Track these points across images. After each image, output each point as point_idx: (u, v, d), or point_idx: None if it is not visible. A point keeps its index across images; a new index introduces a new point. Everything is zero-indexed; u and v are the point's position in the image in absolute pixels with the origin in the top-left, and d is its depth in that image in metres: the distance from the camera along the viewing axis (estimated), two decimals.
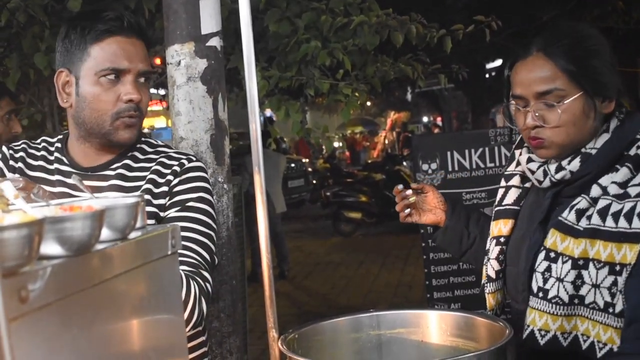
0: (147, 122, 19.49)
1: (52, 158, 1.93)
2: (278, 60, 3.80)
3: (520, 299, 1.76)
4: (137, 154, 1.93)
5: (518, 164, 1.87)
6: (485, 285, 1.89)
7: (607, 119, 1.70)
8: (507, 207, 1.87)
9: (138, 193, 1.27)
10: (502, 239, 1.85)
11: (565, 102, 1.63)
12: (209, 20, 2.54)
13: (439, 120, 26.96)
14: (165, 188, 1.87)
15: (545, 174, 1.72)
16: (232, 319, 2.71)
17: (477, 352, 1.52)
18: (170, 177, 1.88)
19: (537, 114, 1.66)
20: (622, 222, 1.57)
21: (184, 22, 2.52)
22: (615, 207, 1.59)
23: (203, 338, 2.05)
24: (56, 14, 3.73)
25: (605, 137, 1.68)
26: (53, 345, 0.88)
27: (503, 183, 1.92)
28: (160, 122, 22.65)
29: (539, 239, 1.72)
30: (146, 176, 1.88)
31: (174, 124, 2.61)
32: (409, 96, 25.90)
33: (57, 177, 1.89)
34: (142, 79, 1.83)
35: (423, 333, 1.81)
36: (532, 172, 1.76)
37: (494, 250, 1.86)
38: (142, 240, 1.13)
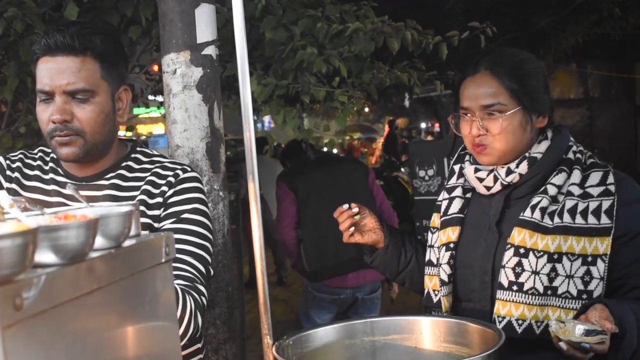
0: (145, 129, 19.48)
1: (47, 168, 1.95)
2: (274, 68, 3.81)
3: (475, 298, 1.95)
4: (131, 163, 1.94)
5: (459, 177, 2.09)
6: (440, 289, 2.02)
7: (541, 132, 1.97)
8: (453, 215, 2.05)
9: (132, 202, 1.29)
10: (451, 245, 2.01)
11: (506, 114, 1.87)
12: (205, 29, 2.55)
13: (437, 126, 26.96)
14: (159, 199, 1.88)
15: (495, 179, 1.94)
16: (228, 325, 2.72)
17: (470, 358, 1.53)
18: (164, 188, 1.89)
19: (481, 124, 1.90)
20: (591, 219, 1.81)
21: (179, 31, 2.54)
22: (581, 206, 1.83)
23: (199, 345, 2.06)
24: (53, 22, 3.74)
25: (546, 143, 1.94)
26: (48, 353, 0.90)
27: (445, 195, 2.11)
28: (158, 129, 22.62)
29: (494, 239, 1.93)
30: (140, 186, 1.89)
31: (170, 132, 2.63)
32: (406, 102, 25.92)
33: (52, 187, 1.91)
34: (80, 95, 1.79)
35: (417, 339, 1.82)
36: (481, 180, 1.97)
37: (444, 256, 2.01)
38: (136, 249, 1.15)
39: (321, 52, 3.68)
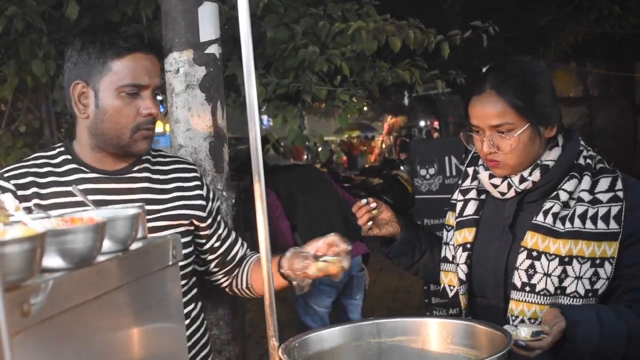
0: None
1: (62, 170, 1.92)
2: (276, 67, 3.79)
3: (489, 295, 2.04)
4: (149, 157, 2.02)
5: (473, 179, 2.17)
6: (459, 288, 2.10)
7: (551, 138, 2.02)
8: (469, 217, 2.13)
9: (139, 204, 1.27)
10: (468, 245, 2.09)
11: (514, 134, 1.92)
12: (208, 28, 2.53)
13: (436, 124, 26.95)
14: (199, 191, 2.06)
15: (509, 186, 2.01)
16: (231, 326, 2.70)
17: None
18: (197, 182, 2.07)
19: (491, 142, 1.96)
20: (601, 224, 1.89)
21: (182, 29, 2.52)
22: (591, 211, 1.91)
23: (206, 350, 2.07)
24: (54, 21, 3.72)
25: (557, 150, 2.00)
26: (55, 359, 0.88)
27: (460, 197, 2.19)
28: (157, 128, 22.59)
29: (508, 241, 2.02)
30: (170, 179, 2.03)
31: (172, 132, 2.61)
32: (406, 100, 25.91)
33: (81, 186, 1.90)
34: (155, 93, 1.92)
35: (423, 341, 1.80)
36: (495, 186, 2.04)
37: (461, 256, 2.09)
38: (143, 252, 1.13)
39: (323, 51, 3.66)
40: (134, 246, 1.11)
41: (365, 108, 24.77)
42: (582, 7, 9.53)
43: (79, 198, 1.84)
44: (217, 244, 2.13)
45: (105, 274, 0.99)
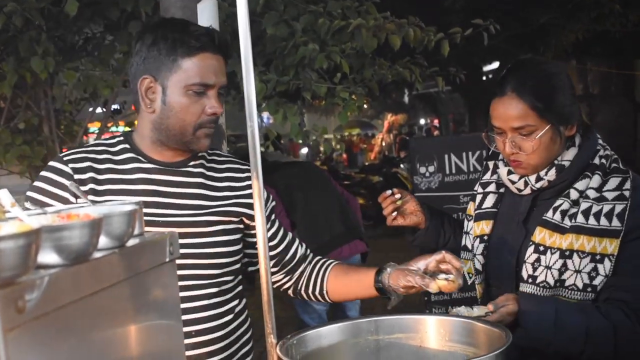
0: None
1: (119, 158, 1.96)
2: (276, 64, 3.79)
3: (502, 285, 2.09)
4: (204, 154, 2.05)
5: (492, 173, 2.23)
6: (475, 277, 2.20)
7: (569, 138, 2.06)
8: (488, 210, 2.20)
9: (137, 200, 1.27)
10: (485, 237, 2.17)
11: (536, 136, 1.97)
12: (207, 24, 2.52)
13: (436, 122, 26.94)
14: (247, 191, 2.06)
15: (526, 184, 2.07)
16: None
17: (476, 358, 1.51)
18: (248, 182, 2.07)
19: (513, 143, 2.01)
20: (603, 221, 1.94)
21: None
22: (595, 208, 1.96)
23: (249, 346, 2.14)
24: (53, 17, 3.72)
25: (574, 150, 2.05)
26: (50, 355, 0.88)
27: (480, 190, 2.26)
28: None
29: (521, 235, 2.08)
30: (223, 177, 2.06)
31: None
32: (406, 98, 25.91)
33: (138, 175, 1.94)
34: (221, 91, 1.94)
35: (422, 338, 1.80)
36: (513, 183, 2.10)
37: (478, 247, 2.17)
38: (140, 248, 1.13)
39: (323, 48, 3.66)
40: (131, 243, 1.11)
41: (365, 106, 24.77)
42: (583, 5, 9.53)
43: (134, 186, 1.90)
44: (273, 242, 2.15)
45: (101, 270, 0.99)
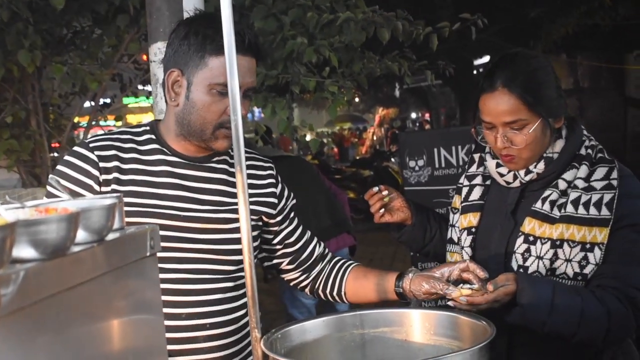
0: (134, 119, 19.35)
1: (145, 149, 1.94)
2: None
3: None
4: (230, 151, 2.01)
5: (479, 165, 2.24)
6: None
7: (556, 129, 2.08)
8: (474, 202, 2.21)
9: (116, 194, 1.26)
10: (472, 229, 2.17)
11: (528, 130, 1.98)
12: None
13: (427, 117, 26.95)
14: (273, 189, 2.09)
15: (515, 177, 2.08)
16: None
17: (461, 352, 1.52)
18: (272, 180, 2.10)
19: (505, 138, 2.01)
20: (593, 210, 1.96)
21: (167, 19, 2.51)
22: (584, 198, 1.99)
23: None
24: (40, 10, 3.70)
25: (561, 142, 2.07)
26: (27, 350, 0.87)
27: (466, 182, 2.27)
28: (148, 119, 22.48)
29: (509, 226, 2.09)
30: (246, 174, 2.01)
31: None
32: (397, 92, 25.90)
33: (161, 167, 1.92)
34: (247, 93, 1.91)
35: (407, 332, 1.80)
36: (502, 176, 2.11)
37: (466, 239, 2.17)
38: (119, 242, 1.12)
39: (311, 42, 3.65)
40: (110, 237, 1.10)
41: (356, 100, 24.81)
42: (573, 0, 9.54)
43: (157, 179, 1.89)
44: (290, 239, 2.15)
45: (79, 265, 0.98)
